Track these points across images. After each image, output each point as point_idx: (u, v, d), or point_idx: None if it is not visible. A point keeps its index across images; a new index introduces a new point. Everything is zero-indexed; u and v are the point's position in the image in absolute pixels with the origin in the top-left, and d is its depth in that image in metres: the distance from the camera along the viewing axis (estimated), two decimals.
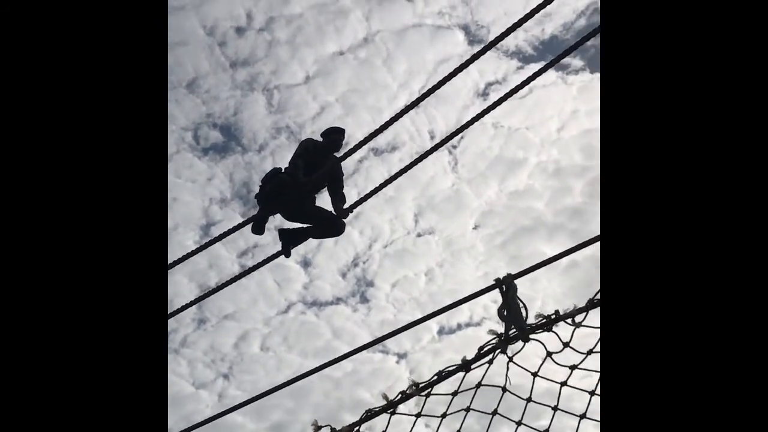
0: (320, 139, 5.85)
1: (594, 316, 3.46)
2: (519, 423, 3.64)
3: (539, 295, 16.55)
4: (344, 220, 5.66)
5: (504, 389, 3.65)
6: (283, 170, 5.64)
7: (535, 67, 4.58)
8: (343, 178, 5.83)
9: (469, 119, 4.72)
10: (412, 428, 3.74)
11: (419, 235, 18.96)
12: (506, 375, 3.60)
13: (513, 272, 3.67)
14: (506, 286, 3.54)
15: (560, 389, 3.66)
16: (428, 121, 18.72)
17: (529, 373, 3.66)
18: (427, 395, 3.69)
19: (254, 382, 17.38)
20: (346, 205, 5.66)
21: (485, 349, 3.58)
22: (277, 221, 5.68)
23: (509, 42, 17.57)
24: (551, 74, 18.16)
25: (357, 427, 3.70)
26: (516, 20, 4.51)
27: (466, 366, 3.61)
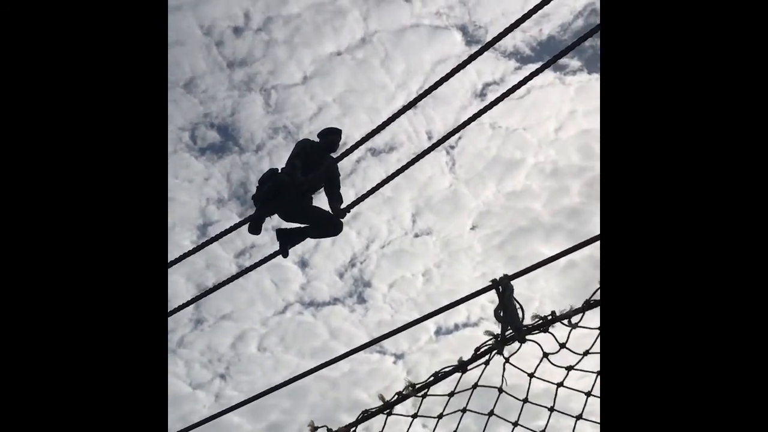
0: (317, 140, 5.86)
1: (590, 317, 3.46)
2: (515, 424, 3.64)
3: (537, 296, 16.57)
4: (341, 220, 5.67)
5: (500, 390, 3.64)
6: (280, 171, 5.64)
7: (532, 67, 4.59)
8: (340, 178, 5.83)
9: (466, 119, 4.72)
10: (408, 429, 3.74)
11: (417, 236, 18.97)
12: (503, 376, 3.60)
13: (510, 273, 3.67)
14: (503, 287, 3.54)
15: (556, 390, 3.65)
16: (426, 121, 18.74)
17: (526, 374, 3.65)
18: (424, 396, 3.69)
19: (251, 383, 17.38)
20: (343, 205, 5.67)
21: (482, 350, 3.58)
22: (274, 221, 5.68)
23: (507, 42, 17.59)
24: (549, 75, 18.20)
25: (353, 428, 3.69)
26: (514, 21, 4.51)
27: (462, 367, 3.61)
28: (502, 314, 3.52)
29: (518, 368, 3.62)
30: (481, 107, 4.67)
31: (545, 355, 3.57)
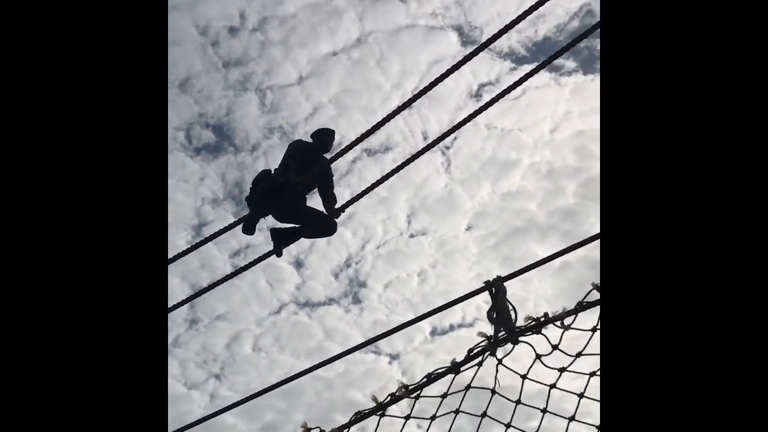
0: (310, 140, 5.86)
1: (583, 319, 3.47)
2: (508, 425, 3.64)
3: (531, 296, 16.57)
4: (336, 220, 5.67)
5: (493, 391, 3.65)
6: (273, 171, 5.64)
7: (528, 68, 4.59)
8: (333, 178, 5.83)
9: (462, 120, 4.73)
10: (401, 430, 3.74)
11: (412, 236, 18.96)
12: (495, 377, 3.60)
13: (505, 274, 3.68)
14: (495, 288, 3.55)
15: (549, 391, 3.66)
16: (421, 121, 18.73)
17: (519, 376, 3.66)
18: (417, 397, 3.68)
19: (246, 383, 17.35)
20: (337, 206, 5.67)
21: (475, 351, 3.58)
22: (268, 222, 5.68)
23: (502, 43, 17.58)
24: (544, 75, 18.21)
25: (346, 430, 3.69)
26: (509, 21, 4.51)
27: (455, 368, 3.61)
28: (495, 316, 3.52)
29: (511, 370, 3.63)
30: (477, 108, 4.67)
31: (538, 356, 3.58)
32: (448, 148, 18.70)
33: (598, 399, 3.48)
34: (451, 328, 17.93)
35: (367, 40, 18.72)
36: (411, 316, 4.15)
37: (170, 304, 5.17)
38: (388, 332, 4.17)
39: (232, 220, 5.48)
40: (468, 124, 4.77)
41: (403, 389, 3.66)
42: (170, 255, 5.20)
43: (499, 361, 3.60)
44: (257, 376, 17.67)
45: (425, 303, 17.98)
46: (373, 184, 4.97)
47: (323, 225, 5.64)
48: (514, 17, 4.47)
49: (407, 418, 3.74)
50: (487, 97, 4.69)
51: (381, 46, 18.95)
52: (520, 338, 3.54)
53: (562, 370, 3.61)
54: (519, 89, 4.63)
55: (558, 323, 3.48)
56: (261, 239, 5.95)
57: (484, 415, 3.68)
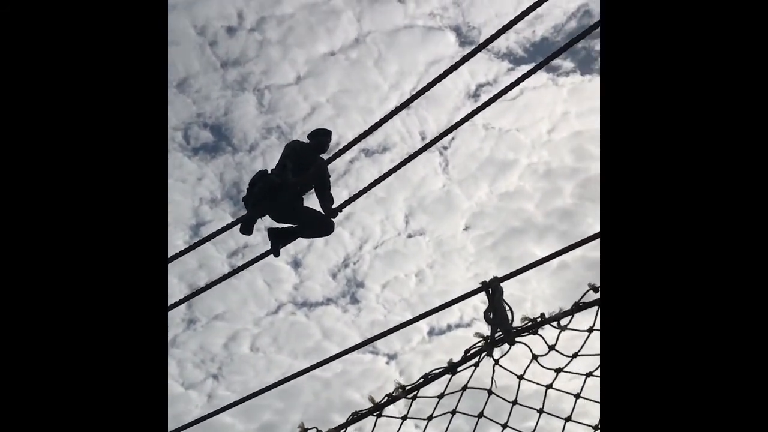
0: (307, 141, 5.86)
1: (580, 320, 3.47)
2: (505, 425, 3.65)
3: (529, 297, 16.59)
4: (333, 220, 5.67)
5: (490, 392, 3.65)
6: (269, 172, 5.65)
7: (525, 68, 4.59)
8: (330, 179, 5.84)
9: (459, 120, 4.73)
10: (398, 430, 3.74)
11: (410, 236, 18.97)
12: (492, 378, 3.60)
13: (503, 274, 3.68)
14: (492, 289, 3.55)
15: (546, 392, 3.66)
16: (419, 122, 18.74)
17: (515, 376, 3.66)
18: (414, 398, 3.69)
19: (244, 383, 17.35)
20: (334, 206, 5.67)
21: (471, 351, 3.58)
22: (266, 222, 5.68)
23: (500, 43, 17.60)
24: (542, 76, 18.22)
25: (343, 430, 3.69)
26: (507, 22, 4.52)
27: (452, 368, 3.61)
28: (491, 316, 3.53)
29: (508, 370, 3.63)
30: (474, 108, 4.67)
31: (534, 357, 3.58)
32: (445, 148, 18.72)
33: (595, 399, 3.49)
34: (449, 328, 17.95)
35: (365, 40, 18.73)
36: (409, 316, 4.16)
37: (168, 304, 5.17)
38: (386, 332, 4.18)
39: (230, 220, 5.49)
40: (466, 124, 4.77)
41: (399, 390, 3.66)
42: (168, 255, 5.20)
43: (496, 362, 3.60)
44: (255, 376, 17.67)
45: (423, 303, 18.01)
46: (370, 184, 4.97)
47: (320, 225, 5.65)
48: (512, 18, 4.48)
49: (404, 418, 3.74)
50: (484, 98, 4.69)
51: (379, 46, 18.96)
52: (517, 339, 3.54)
53: (558, 370, 3.61)
54: (517, 89, 4.64)
55: (554, 324, 3.48)
56: (259, 239, 5.96)
57: (480, 415, 3.68)
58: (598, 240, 3.58)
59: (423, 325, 17.28)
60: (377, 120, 4.87)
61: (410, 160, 4.88)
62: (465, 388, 3.65)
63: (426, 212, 18.91)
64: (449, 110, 18.34)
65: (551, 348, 3.54)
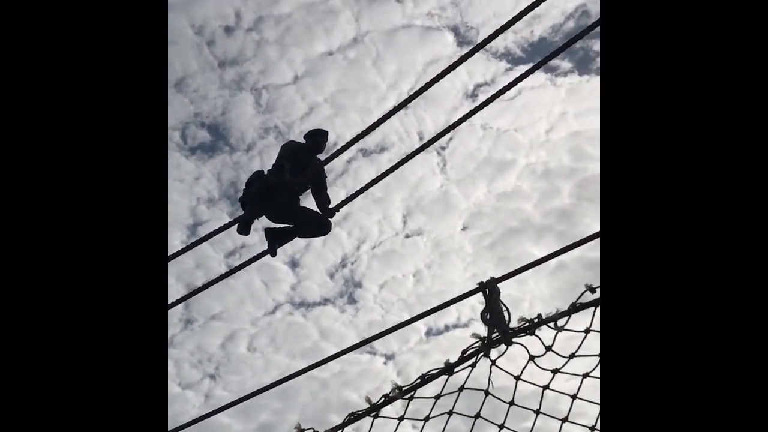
0: (303, 141, 5.86)
1: (577, 320, 3.47)
2: (501, 426, 3.64)
3: (527, 297, 16.58)
4: (330, 220, 5.67)
5: (487, 392, 3.65)
6: (266, 172, 5.64)
7: (523, 68, 4.60)
8: (327, 179, 5.84)
9: (457, 119, 4.73)
10: (395, 430, 3.74)
11: (407, 236, 18.96)
12: (489, 378, 3.60)
13: (500, 274, 3.68)
14: (489, 289, 3.55)
15: (542, 392, 3.66)
16: (417, 122, 18.71)
17: (512, 377, 3.66)
18: (410, 398, 3.68)
19: (241, 383, 17.32)
20: (331, 205, 5.67)
21: (468, 352, 3.58)
22: (263, 222, 5.67)
23: (498, 44, 17.59)
24: (540, 76, 18.19)
25: (340, 431, 3.69)
26: (505, 22, 4.51)
27: (449, 369, 3.61)
28: (488, 317, 3.52)
29: (505, 371, 3.63)
30: (472, 108, 4.67)
31: (531, 357, 3.58)
32: (443, 148, 18.70)
33: (592, 400, 3.49)
34: (447, 328, 17.94)
35: (363, 40, 18.71)
36: (406, 317, 4.15)
37: None
38: (384, 332, 4.17)
39: (227, 219, 5.48)
40: (463, 124, 4.78)
41: (396, 390, 3.66)
42: None
43: (493, 363, 3.60)
44: (252, 376, 17.65)
45: (421, 303, 17.97)
46: (367, 184, 4.97)
47: (318, 224, 5.65)
48: (510, 18, 4.48)
49: (401, 419, 3.74)
50: (482, 98, 4.68)
51: (377, 46, 18.95)
52: (514, 339, 3.54)
53: (555, 371, 3.61)
54: (515, 90, 4.64)
55: (551, 325, 3.48)
56: (256, 239, 5.95)
57: (477, 415, 3.68)
58: (596, 240, 3.60)
59: (421, 325, 17.26)
60: (375, 120, 4.87)
61: (408, 160, 4.88)
62: (462, 388, 3.65)
63: (424, 212, 18.92)
64: (447, 110, 18.33)
65: (548, 349, 3.54)
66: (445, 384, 3.65)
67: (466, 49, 4.79)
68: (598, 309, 3.38)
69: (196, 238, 5.30)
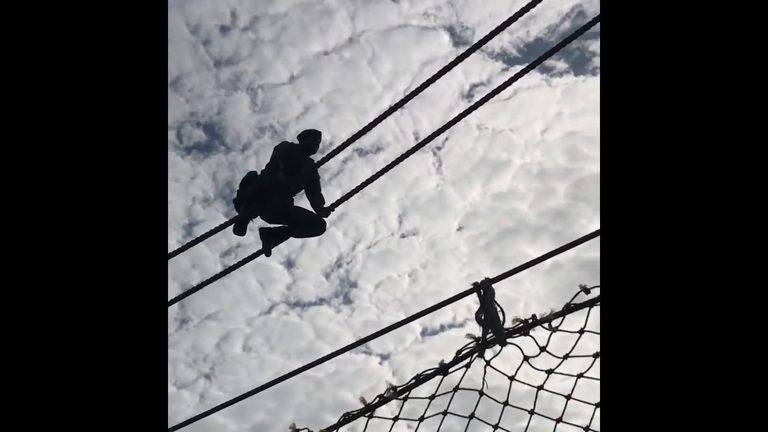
0: (297, 142, 5.87)
1: (571, 321, 3.48)
2: (496, 426, 3.65)
3: (522, 297, 16.61)
4: (325, 220, 5.68)
5: (481, 393, 3.65)
6: (259, 173, 5.65)
7: (519, 68, 4.59)
8: (320, 179, 5.85)
9: (452, 119, 4.73)
10: (390, 431, 3.74)
11: (403, 236, 18.98)
12: (483, 379, 3.60)
13: (496, 274, 3.69)
14: (484, 290, 3.55)
15: (537, 393, 3.67)
16: (413, 122, 18.73)
17: (507, 377, 3.66)
18: (405, 398, 3.68)
19: (236, 383, 17.32)
20: (325, 205, 5.68)
21: (463, 352, 3.58)
22: (258, 222, 5.67)
23: (494, 44, 17.62)
24: (535, 76, 18.24)
25: (335, 431, 3.69)
26: (501, 22, 4.51)
27: (443, 369, 3.61)
28: (483, 317, 3.53)
29: (499, 371, 3.63)
30: (467, 107, 4.67)
31: (526, 358, 3.58)
32: (439, 148, 18.73)
33: (585, 400, 3.50)
34: (442, 328, 17.96)
35: (359, 39, 18.72)
36: (402, 317, 4.15)
37: None
38: (379, 332, 4.18)
39: (222, 219, 5.48)
40: (459, 124, 4.78)
41: (391, 390, 3.66)
42: None
43: (487, 363, 3.60)
44: (247, 376, 17.65)
45: (416, 303, 18.02)
46: (362, 183, 4.97)
47: (312, 224, 5.66)
48: (506, 18, 4.47)
49: (396, 419, 3.74)
50: (478, 98, 4.68)
51: (373, 45, 18.97)
52: (508, 340, 3.54)
53: (549, 371, 3.61)
54: (510, 90, 4.65)
55: (546, 325, 3.48)
56: (252, 239, 5.95)
57: (472, 416, 3.68)
58: (592, 241, 3.61)
59: (416, 325, 17.30)
60: (371, 120, 4.87)
61: (403, 160, 4.88)
62: (456, 388, 3.65)
63: (419, 212, 18.93)
64: (443, 110, 18.35)
65: (542, 349, 3.54)
66: (439, 384, 3.66)
67: (462, 50, 4.81)
68: (593, 309, 3.39)
69: (192, 238, 5.29)
